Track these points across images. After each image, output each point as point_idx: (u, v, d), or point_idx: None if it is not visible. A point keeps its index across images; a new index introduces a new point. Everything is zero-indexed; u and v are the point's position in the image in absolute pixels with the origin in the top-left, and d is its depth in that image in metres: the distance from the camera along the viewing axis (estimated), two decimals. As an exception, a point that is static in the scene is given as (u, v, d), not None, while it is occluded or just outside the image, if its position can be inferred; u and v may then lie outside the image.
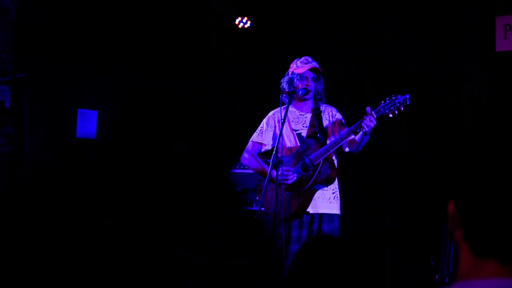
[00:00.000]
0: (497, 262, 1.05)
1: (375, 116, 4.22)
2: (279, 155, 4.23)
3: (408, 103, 4.25)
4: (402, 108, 4.24)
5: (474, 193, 1.08)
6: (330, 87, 4.79)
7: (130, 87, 7.05)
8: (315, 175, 4.42)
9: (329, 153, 4.40)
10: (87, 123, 6.35)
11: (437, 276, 4.83)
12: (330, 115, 4.65)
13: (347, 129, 4.37)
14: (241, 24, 7.36)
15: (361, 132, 4.29)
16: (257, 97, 7.28)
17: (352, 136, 4.34)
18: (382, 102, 4.26)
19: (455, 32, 6.42)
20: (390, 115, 4.26)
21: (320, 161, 4.41)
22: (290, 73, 4.65)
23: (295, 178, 4.48)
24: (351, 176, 6.58)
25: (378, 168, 6.90)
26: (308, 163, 4.47)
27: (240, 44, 7.58)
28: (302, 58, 4.67)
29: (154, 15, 7.11)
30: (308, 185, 4.43)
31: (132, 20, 7.01)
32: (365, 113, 4.24)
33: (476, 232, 1.07)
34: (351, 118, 4.63)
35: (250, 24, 7.37)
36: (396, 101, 4.23)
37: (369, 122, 4.21)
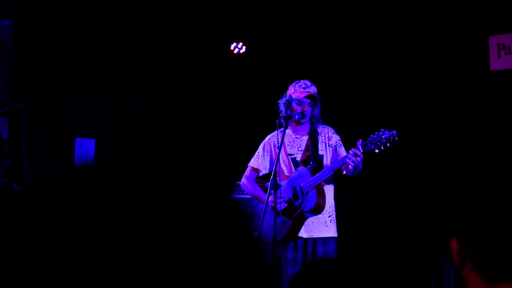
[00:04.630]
0: (510, 283, 1.07)
1: (362, 150, 4.20)
2: (278, 180, 4.26)
3: (396, 138, 4.16)
4: (389, 145, 4.17)
5: (480, 226, 1.09)
6: (330, 94, 4.80)
7: (128, 113, 7.06)
8: (303, 204, 4.45)
9: (318, 182, 4.41)
10: (85, 152, 6.36)
11: (437, 298, 4.82)
12: (326, 137, 4.65)
13: (336, 161, 4.39)
14: (236, 50, 7.42)
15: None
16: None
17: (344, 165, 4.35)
18: (369, 136, 4.22)
19: (449, 51, 6.47)
20: (376, 150, 4.19)
21: (309, 191, 4.44)
22: (288, 95, 4.66)
23: (286, 205, 4.52)
24: (350, 194, 6.59)
25: (377, 188, 6.91)
26: (298, 191, 4.50)
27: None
28: (301, 81, 4.67)
29: (153, 38, 7.14)
30: (297, 213, 4.47)
31: (128, 46, 7.04)
32: (355, 145, 4.25)
33: (489, 261, 1.08)
34: (353, 125, 4.65)
35: (246, 49, 7.43)
36: (383, 137, 4.16)
37: (354, 157, 4.19)
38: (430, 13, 6.48)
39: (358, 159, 4.20)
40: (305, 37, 7.28)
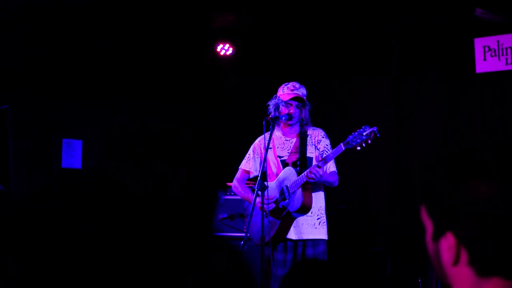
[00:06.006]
0: (501, 278, 1.05)
1: (322, 167, 4.29)
2: (265, 181, 4.26)
3: (378, 135, 4.22)
4: (370, 141, 4.23)
5: (478, 218, 1.05)
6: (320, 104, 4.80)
7: (116, 115, 7.03)
8: (290, 204, 4.47)
9: (304, 181, 4.42)
10: (72, 153, 6.33)
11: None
12: (316, 140, 4.66)
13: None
14: (222, 51, 7.40)
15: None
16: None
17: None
18: (351, 134, 4.28)
19: (435, 53, 6.51)
20: (358, 148, 4.25)
21: (295, 190, 4.46)
22: (277, 97, 4.67)
23: (274, 205, 4.54)
24: (338, 198, 6.61)
25: (364, 190, 6.93)
26: (285, 192, 4.52)
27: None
28: (290, 84, 4.66)
29: (140, 40, 7.10)
30: (284, 213, 4.49)
31: (116, 48, 7.00)
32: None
33: (485, 255, 1.04)
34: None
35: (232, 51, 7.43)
36: (363, 134, 4.23)
37: (310, 174, 4.28)
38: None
39: (317, 175, 4.28)
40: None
